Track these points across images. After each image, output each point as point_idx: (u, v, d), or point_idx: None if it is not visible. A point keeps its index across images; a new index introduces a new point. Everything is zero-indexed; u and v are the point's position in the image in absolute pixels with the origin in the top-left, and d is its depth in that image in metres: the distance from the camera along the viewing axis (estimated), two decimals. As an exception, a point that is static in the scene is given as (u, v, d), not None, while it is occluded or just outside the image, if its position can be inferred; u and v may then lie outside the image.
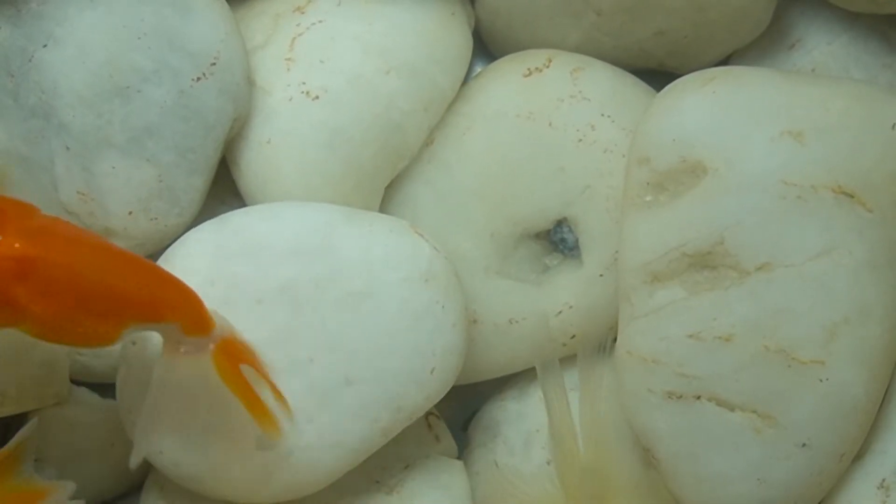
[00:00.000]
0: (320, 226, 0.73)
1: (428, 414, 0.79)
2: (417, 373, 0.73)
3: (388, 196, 0.80)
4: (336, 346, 0.72)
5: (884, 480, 0.75)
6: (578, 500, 0.75)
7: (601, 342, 0.77)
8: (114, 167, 0.75)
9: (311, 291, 0.72)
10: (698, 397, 0.73)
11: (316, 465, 0.72)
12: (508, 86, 0.80)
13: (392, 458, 0.78)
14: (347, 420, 0.72)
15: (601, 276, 0.79)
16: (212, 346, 0.67)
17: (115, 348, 0.69)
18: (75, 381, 0.78)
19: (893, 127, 0.73)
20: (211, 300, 0.68)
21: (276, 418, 0.68)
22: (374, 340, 0.72)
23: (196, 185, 0.76)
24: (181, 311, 0.66)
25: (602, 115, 0.79)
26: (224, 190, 0.80)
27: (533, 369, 0.80)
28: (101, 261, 0.64)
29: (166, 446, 0.72)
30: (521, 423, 0.80)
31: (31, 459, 0.71)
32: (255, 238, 0.73)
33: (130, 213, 0.76)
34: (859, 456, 0.75)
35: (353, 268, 0.73)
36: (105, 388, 0.78)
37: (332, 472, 0.73)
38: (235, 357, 0.68)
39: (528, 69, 0.80)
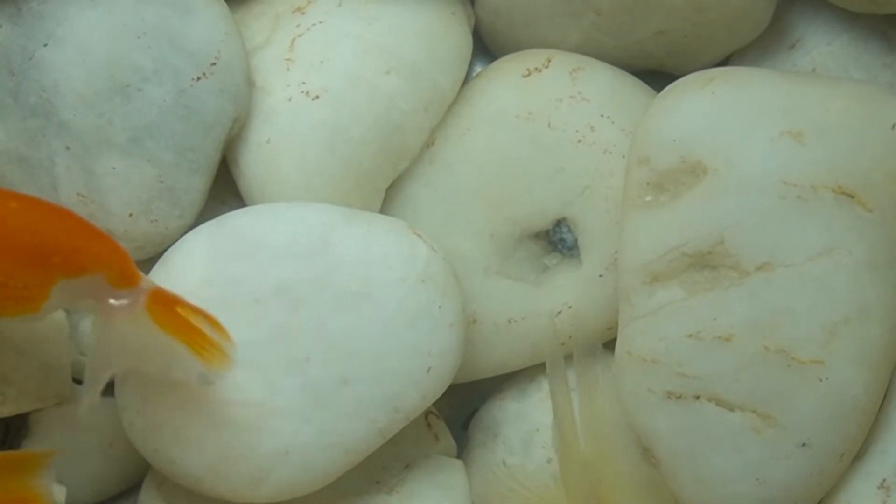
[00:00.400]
0: (318, 226, 0.73)
1: (427, 413, 0.79)
2: (414, 373, 0.73)
3: (389, 197, 0.80)
4: (333, 346, 0.72)
5: (884, 481, 0.74)
6: (578, 499, 0.75)
7: (596, 342, 0.77)
8: (114, 167, 0.75)
9: (308, 291, 0.72)
10: (698, 397, 0.73)
11: (313, 464, 0.72)
12: (508, 86, 0.80)
13: (392, 457, 0.78)
14: (344, 420, 0.72)
15: (601, 276, 0.78)
16: (142, 298, 0.66)
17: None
18: (76, 380, 0.78)
19: (893, 127, 0.73)
20: (209, 301, 0.68)
21: (223, 350, 0.67)
22: (371, 340, 0.72)
23: (196, 185, 0.76)
24: (106, 261, 0.65)
25: (602, 115, 0.79)
26: (224, 191, 0.80)
27: (532, 368, 0.80)
28: (27, 208, 0.64)
29: (162, 444, 0.72)
30: (520, 422, 0.80)
31: (51, 473, 0.70)
32: (253, 238, 0.73)
33: (131, 214, 0.76)
34: (859, 456, 0.75)
35: (351, 268, 0.73)
36: (105, 387, 0.78)
37: (329, 472, 0.73)
38: (170, 301, 0.67)
39: (528, 69, 0.80)
